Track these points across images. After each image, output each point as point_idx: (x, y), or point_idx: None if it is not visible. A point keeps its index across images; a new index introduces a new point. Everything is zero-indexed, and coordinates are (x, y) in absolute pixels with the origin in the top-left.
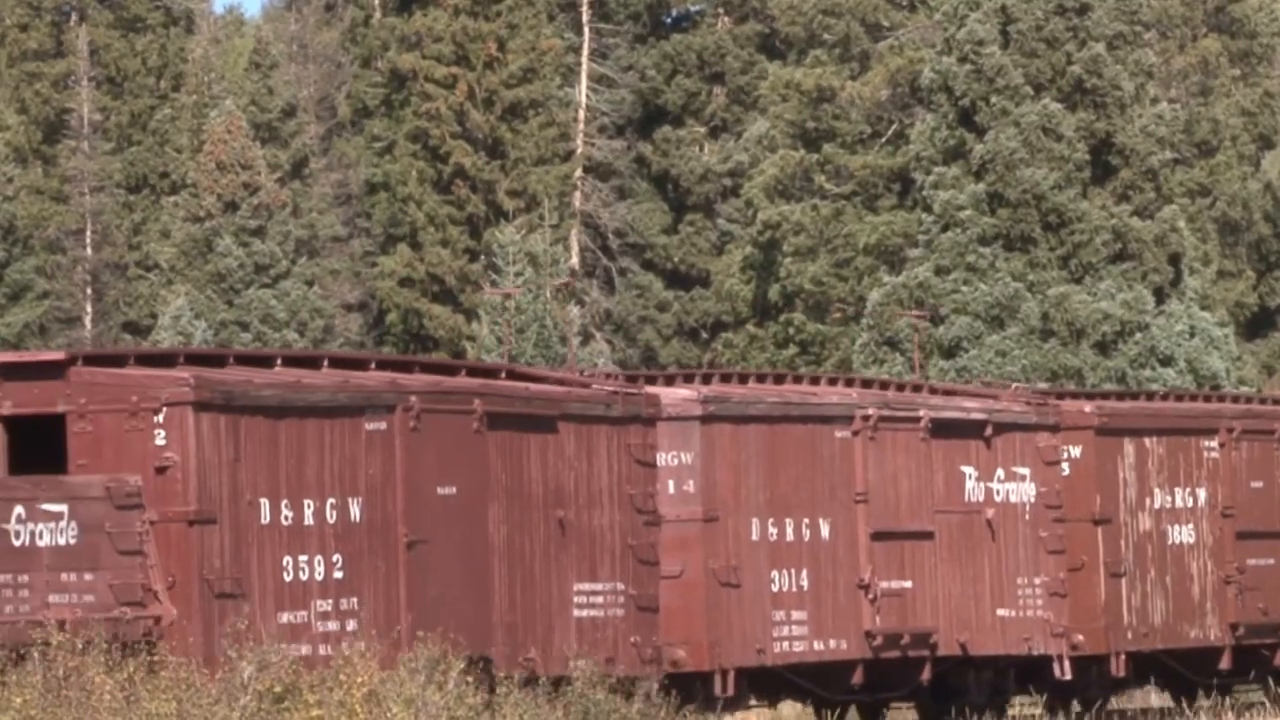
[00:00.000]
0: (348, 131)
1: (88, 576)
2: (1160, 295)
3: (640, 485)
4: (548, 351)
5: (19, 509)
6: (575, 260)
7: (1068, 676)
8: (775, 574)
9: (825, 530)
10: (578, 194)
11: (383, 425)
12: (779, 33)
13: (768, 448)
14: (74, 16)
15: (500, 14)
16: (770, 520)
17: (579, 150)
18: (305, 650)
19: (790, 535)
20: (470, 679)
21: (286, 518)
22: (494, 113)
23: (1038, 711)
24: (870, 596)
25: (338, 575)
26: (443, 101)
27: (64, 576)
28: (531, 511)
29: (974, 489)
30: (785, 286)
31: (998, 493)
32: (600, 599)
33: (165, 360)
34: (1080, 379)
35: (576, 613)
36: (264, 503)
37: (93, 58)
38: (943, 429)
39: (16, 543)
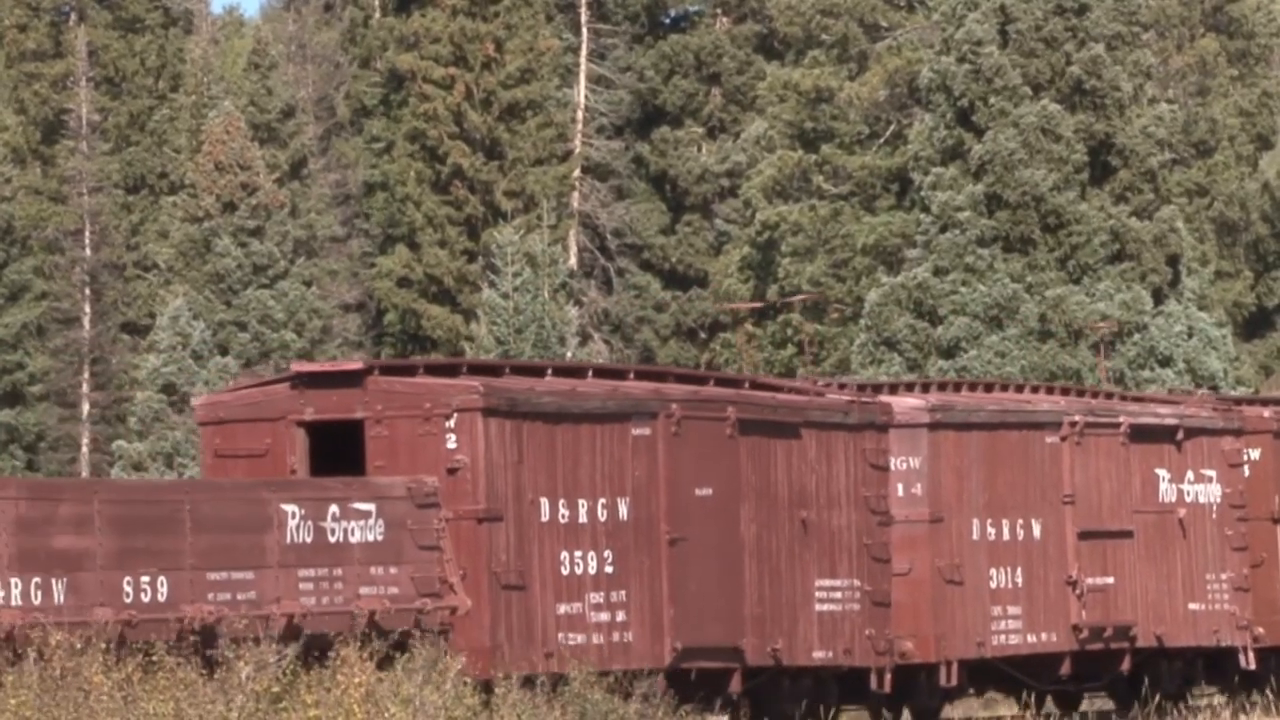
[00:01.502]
0: (346, 132)
1: (393, 570)
2: (1158, 296)
3: (874, 488)
4: (546, 352)
5: (334, 508)
6: (573, 260)
7: (1251, 666)
8: (993, 571)
9: (1037, 530)
10: (576, 194)
11: (647, 431)
12: (777, 33)
13: (987, 453)
14: (73, 17)
15: (498, 14)
16: (989, 521)
17: (577, 151)
18: (579, 640)
19: (1006, 535)
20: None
21: (563, 516)
22: (492, 113)
23: (1219, 701)
24: (1077, 592)
25: (608, 570)
26: (441, 102)
27: (372, 570)
28: (778, 512)
29: (1167, 490)
30: (783, 287)
31: (1188, 494)
32: (839, 594)
33: (450, 370)
34: (1079, 379)
35: (818, 607)
36: (543, 502)
37: (91, 58)
38: (1140, 434)
39: (332, 539)
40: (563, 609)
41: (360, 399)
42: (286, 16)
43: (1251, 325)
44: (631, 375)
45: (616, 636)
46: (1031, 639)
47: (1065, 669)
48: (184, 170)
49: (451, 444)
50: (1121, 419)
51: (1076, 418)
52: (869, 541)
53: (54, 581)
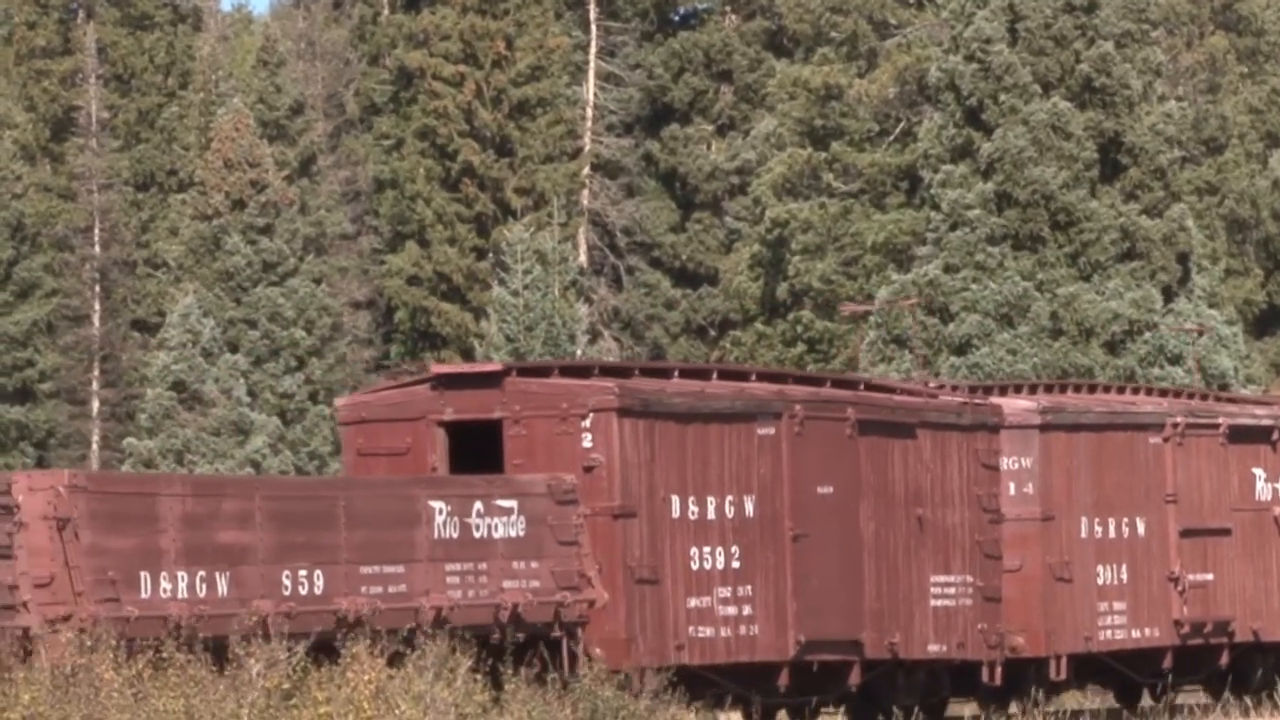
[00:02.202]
0: (356, 129)
1: (534, 564)
2: (1168, 294)
3: (986, 487)
4: (556, 350)
5: (478, 504)
6: (583, 258)
7: None
8: (1100, 568)
9: (1141, 528)
10: (585, 192)
11: (771, 430)
12: (786, 30)
13: (1095, 453)
14: (81, 14)
15: (508, 12)
16: (1096, 519)
17: (587, 148)
18: (708, 633)
19: (1112, 533)
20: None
21: (693, 512)
22: (502, 111)
23: None
24: (1179, 588)
25: (735, 565)
26: (451, 99)
27: (515, 564)
28: (894, 509)
29: (1263, 489)
30: (793, 284)
31: None
32: (952, 589)
33: (582, 371)
34: (1091, 377)
35: (933, 602)
36: (674, 499)
37: (100, 55)
38: (1237, 435)
39: (477, 535)
40: (692, 603)
41: (499, 399)
42: (296, 13)
43: (1262, 323)
44: (753, 376)
45: (743, 630)
46: (1136, 634)
47: (1167, 663)
48: (193, 167)
49: (587, 443)
50: (1220, 420)
51: (1178, 419)
52: (981, 539)
53: (218, 575)
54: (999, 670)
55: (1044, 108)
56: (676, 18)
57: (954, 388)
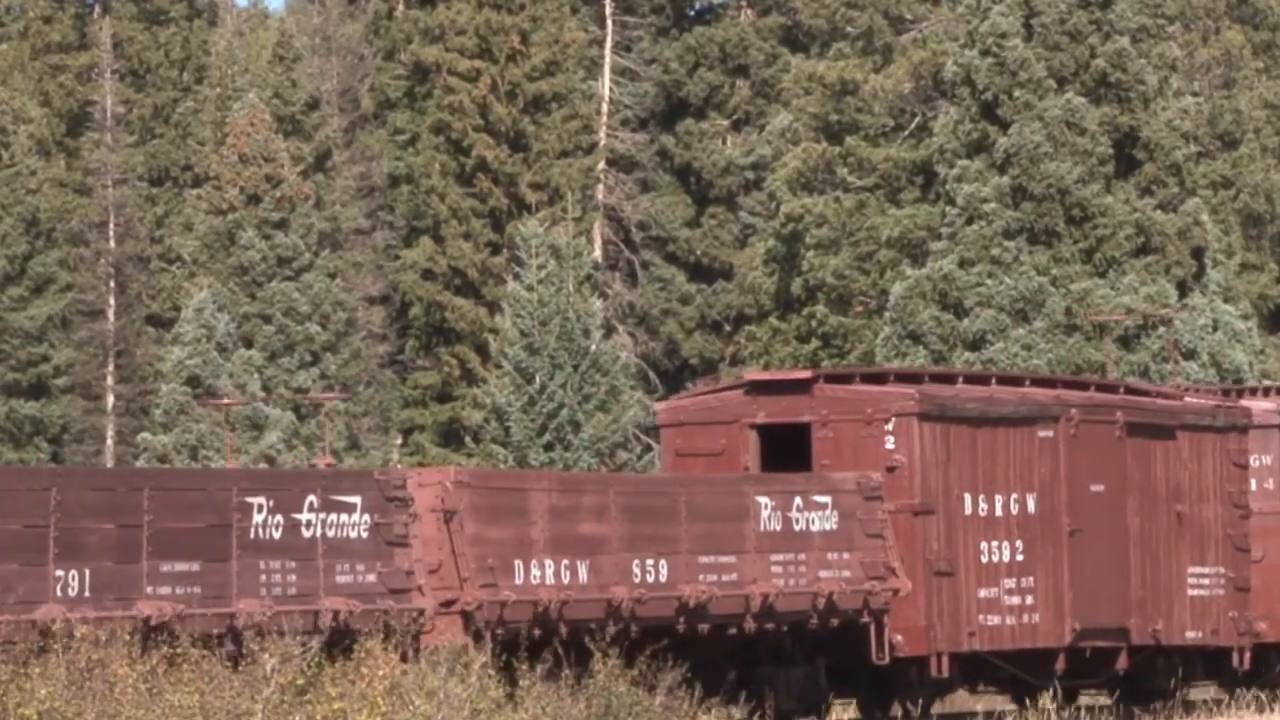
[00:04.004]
0: (371, 124)
1: (845, 555)
2: (1183, 289)
3: (1236, 484)
4: (570, 345)
5: (798, 500)
6: (598, 253)
7: None
8: None
9: None
10: (600, 187)
11: (1051, 433)
12: (802, 25)
13: None
14: (97, 9)
15: (523, 7)
16: None
17: (602, 143)
18: (995, 621)
19: None
20: None
21: (983, 509)
22: (517, 105)
23: None
24: None
25: (1019, 558)
26: (466, 94)
27: (829, 555)
28: (1156, 506)
29: None
30: (808, 279)
31: None
32: (1207, 580)
33: (879, 378)
34: (1104, 374)
35: (1190, 592)
36: (967, 497)
37: (116, 50)
38: None
39: (797, 528)
40: (982, 593)
41: (808, 404)
42: (311, 8)
43: (1278, 318)
44: (1028, 382)
45: (1025, 618)
46: None
47: None
48: (208, 163)
49: (890, 445)
50: None
51: None
52: (1231, 532)
53: (579, 563)
54: (1248, 655)
55: (1059, 103)
56: (692, 12)
57: (1199, 390)
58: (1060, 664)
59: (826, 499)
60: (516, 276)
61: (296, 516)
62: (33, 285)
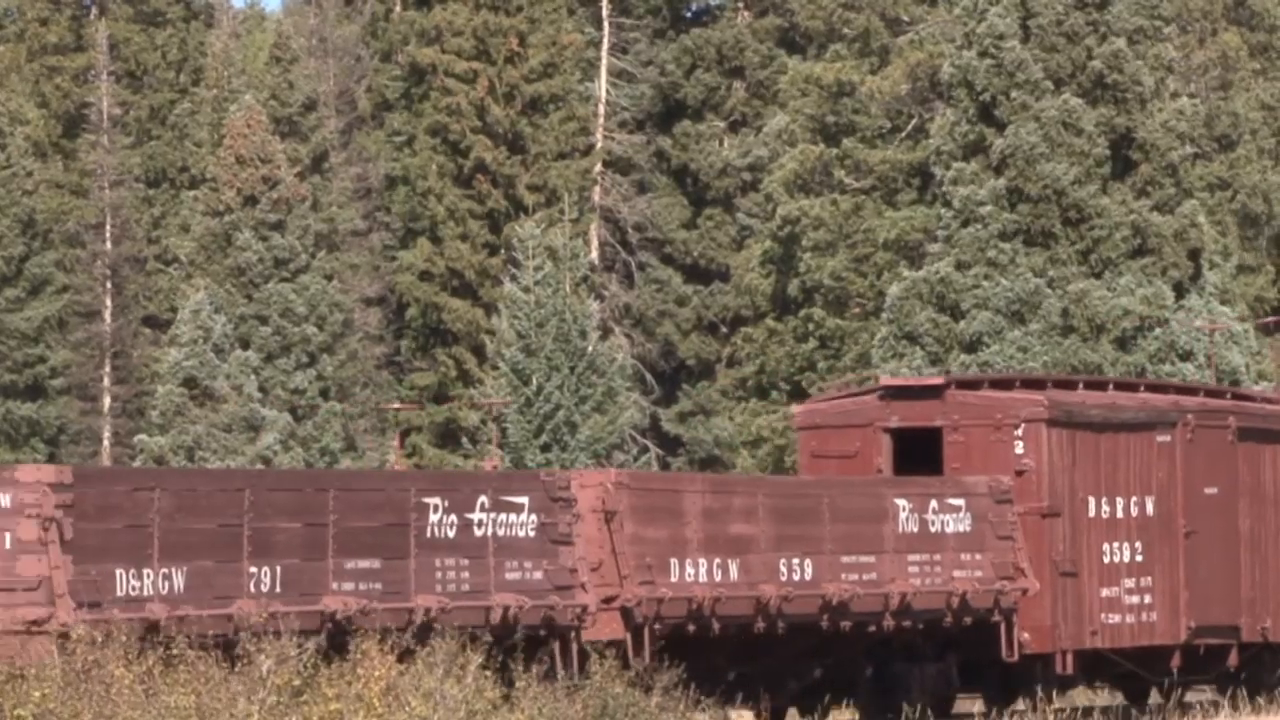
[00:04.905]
0: (368, 125)
1: (977, 556)
2: (1180, 290)
3: None
4: (567, 346)
5: (933, 502)
6: (595, 254)
7: None
8: None
9: None
10: (597, 188)
11: (1168, 438)
12: (799, 27)
13: None
14: (94, 10)
15: (520, 9)
16: None
17: (599, 145)
18: (1115, 620)
19: None
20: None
21: (1105, 512)
22: (514, 107)
23: None
24: None
25: (1138, 559)
26: (463, 96)
27: (963, 556)
28: (1265, 507)
29: None
30: (805, 281)
31: None
32: None
33: (1006, 384)
34: (1100, 374)
35: None
36: (1090, 499)
37: (112, 52)
38: None
39: (933, 529)
40: (1104, 592)
41: (939, 410)
42: (308, 10)
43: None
44: (1142, 388)
45: (1144, 617)
46: None
47: None
48: (205, 164)
49: (1019, 449)
50: None
51: None
52: None
53: (730, 562)
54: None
55: (1056, 104)
56: (689, 14)
57: None
58: (1176, 661)
59: (960, 501)
60: (513, 278)
61: (469, 516)
62: (29, 286)
